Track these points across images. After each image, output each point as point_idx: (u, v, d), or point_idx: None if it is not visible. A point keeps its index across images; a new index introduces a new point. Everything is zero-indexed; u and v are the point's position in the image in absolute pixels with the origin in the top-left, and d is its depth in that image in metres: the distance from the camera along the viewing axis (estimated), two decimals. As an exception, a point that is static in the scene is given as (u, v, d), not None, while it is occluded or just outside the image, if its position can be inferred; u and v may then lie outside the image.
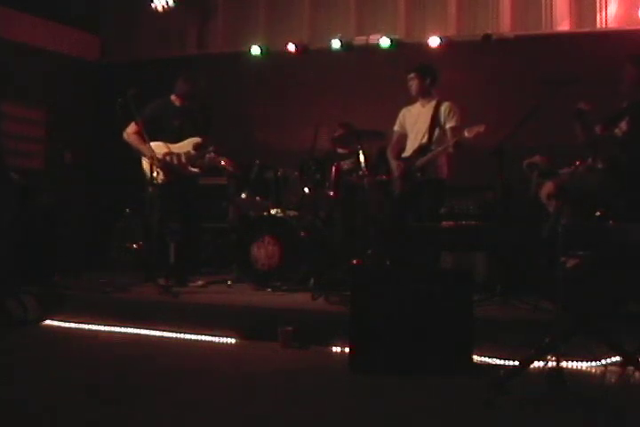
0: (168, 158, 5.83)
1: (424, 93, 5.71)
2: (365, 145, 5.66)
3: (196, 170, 5.92)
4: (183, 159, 5.86)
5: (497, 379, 3.34)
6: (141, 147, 5.77)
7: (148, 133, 5.75)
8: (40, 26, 7.75)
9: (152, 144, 5.77)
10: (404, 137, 5.84)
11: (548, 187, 4.94)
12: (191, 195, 6.01)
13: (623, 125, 4.68)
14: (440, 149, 5.48)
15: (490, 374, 3.65)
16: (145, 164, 5.84)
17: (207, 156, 5.87)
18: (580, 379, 3.58)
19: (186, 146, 5.88)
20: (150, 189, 5.90)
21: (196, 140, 5.89)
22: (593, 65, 6.35)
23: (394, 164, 5.70)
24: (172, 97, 5.99)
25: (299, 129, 6.71)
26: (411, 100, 5.85)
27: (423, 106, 5.74)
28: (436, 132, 5.60)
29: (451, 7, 7.27)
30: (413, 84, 5.70)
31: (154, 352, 4.43)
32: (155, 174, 5.71)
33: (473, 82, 6.86)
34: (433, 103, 5.68)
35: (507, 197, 5.32)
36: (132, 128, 5.83)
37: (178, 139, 5.89)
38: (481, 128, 5.17)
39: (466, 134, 5.21)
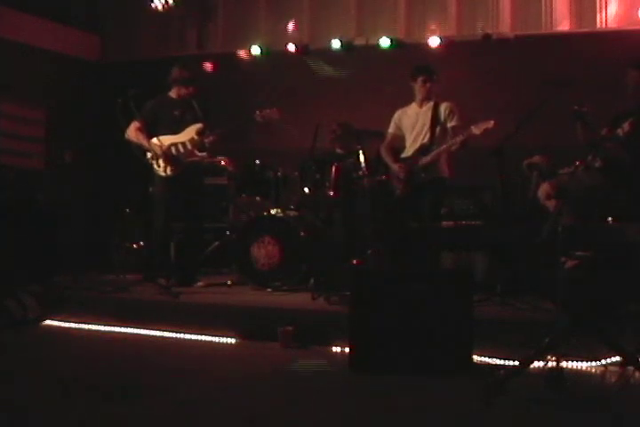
0: (173, 149, 5.83)
1: (429, 95, 5.69)
2: (365, 145, 5.66)
3: (203, 154, 5.93)
4: (189, 146, 5.87)
5: (497, 379, 3.34)
6: (144, 142, 5.78)
7: (151, 130, 5.76)
8: (40, 26, 7.75)
9: (155, 139, 5.79)
10: (399, 139, 5.82)
11: (545, 187, 4.95)
12: (197, 189, 6.01)
13: (626, 126, 4.70)
14: (444, 147, 5.46)
15: (490, 374, 3.65)
16: (150, 159, 5.84)
17: (206, 140, 5.87)
18: (580, 379, 3.58)
19: (189, 133, 5.89)
20: (152, 188, 5.92)
21: (198, 125, 5.89)
22: (593, 65, 6.36)
23: (394, 167, 5.67)
24: (170, 92, 5.99)
25: (299, 129, 6.71)
26: (409, 101, 5.84)
27: (421, 106, 5.73)
28: (437, 132, 5.60)
29: (451, 7, 7.27)
30: (427, 86, 5.64)
31: (154, 352, 4.43)
32: (162, 167, 5.73)
33: (473, 82, 6.86)
34: (431, 104, 5.67)
35: (507, 197, 5.32)
36: (133, 126, 5.84)
37: (179, 128, 5.89)
38: (489, 124, 5.15)
39: (474, 131, 5.20)
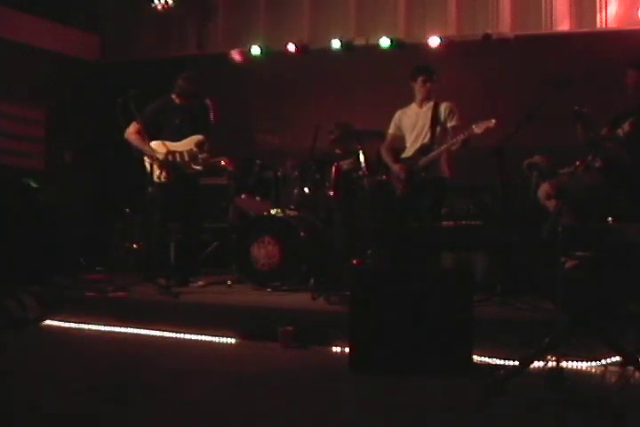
0: (170, 157, 5.82)
1: (429, 95, 5.69)
2: (365, 145, 5.67)
3: (198, 167, 5.92)
4: (186, 157, 5.86)
5: (497, 379, 3.34)
6: (143, 146, 5.78)
7: (150, 133, 5.76)
8: (40, 26, 7.76)
9: (154, 143, 5.79)
10: (399, 139, 5.83)
11: (545, 187, 4.95)
12: (192, 194, 6.01)
13: (626, 126, 4.71)
14: (444, 146, 5.46)
15: (490, 374, 3.65)
16: (147, 163, 5.84)
17: (200, 156, 5.86)
18: (580, 379, 3.58)
19: (188, 144, 5.88)
20: (150, 189, 5.92)
21: (198, 137, 5.88)
22: (593, 65, 6.36)
23: (395, 167, 5.67)
24: (173, 95, 5.98)
25: (299, 129, 6.72)
26: (409, 101, 5.84)
27: (421, 107, 5.73)
28: (437, 132, 5.60)
29: (451, 7, 7.28)
30: (427, 86, 5.64)
31: (154, 352, 4.43)
32: (157, 173, 5.74)
33: (473, 82, 6.86)
34: (431, 104, 5.67)
35: (507, 197, 5.33)
36: (133, 128, 5.83)
37: (179, 137, 5.88)
38: (490, 123, 5.14)
39: (475, 130, 5.19)
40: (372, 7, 7.61)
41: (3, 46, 7.20)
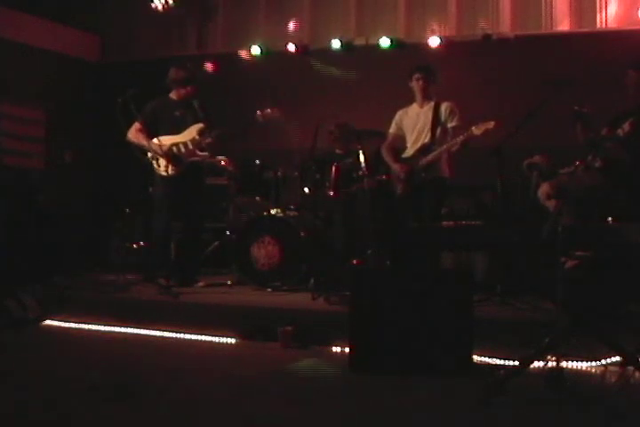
0: (175, 149, 5.83)
1: (426, 94, 5.70)
2: (365, 145, 5.67)
3: (204, 153, 5.92)
4: (190, 146, 5.86)
5: (497, 379, 3.34)
6: (146, 143, 5.78)
7: (152, 131, 5.76)
8: (40, 26, 7.76)
9: (155, 140, 5.79)
10: (399, 139, 5.84)
11: (544, 187, 4.95)
12: (197, 188, 6.00)
13: (626, 126, 4.71)
14: (444, 147, 5.47)
15: (490, 374, 3.65)
16: (150, 159, 5.84)
17: (204, 142, 5.86)
18: (580, 379, 3.58)
19: (190, 133, 5.88)
20: (152, 188, 5.91)
21: (200, 125, 5.88)
22: (593, 65, 6.36)
23: (395, 167, 5.68)
24: (171, 94, 5.99)
25: (299, 129, 6.71)
26: (409, 101, 5.84)
27: (421, 106, 5.74)
28: (438, 132, 5.61)
29: (451, 7, 7.28)
30: (420, 84, 5.67)
31: (154, 352, 4.44)
32: (164, 167, 5.74)
33: (473, 82, 6.86)
34: (432, 104, 5.68)
35: (507, 197, 5.32)
36: (134, 127, 5.84)
37: (181, 129, 5.89)
38: (490, 125, 5.15)
39: (475, 132, 5.20)
40: (372, 7, 7.61)
41: (3, 46, 7.20)
